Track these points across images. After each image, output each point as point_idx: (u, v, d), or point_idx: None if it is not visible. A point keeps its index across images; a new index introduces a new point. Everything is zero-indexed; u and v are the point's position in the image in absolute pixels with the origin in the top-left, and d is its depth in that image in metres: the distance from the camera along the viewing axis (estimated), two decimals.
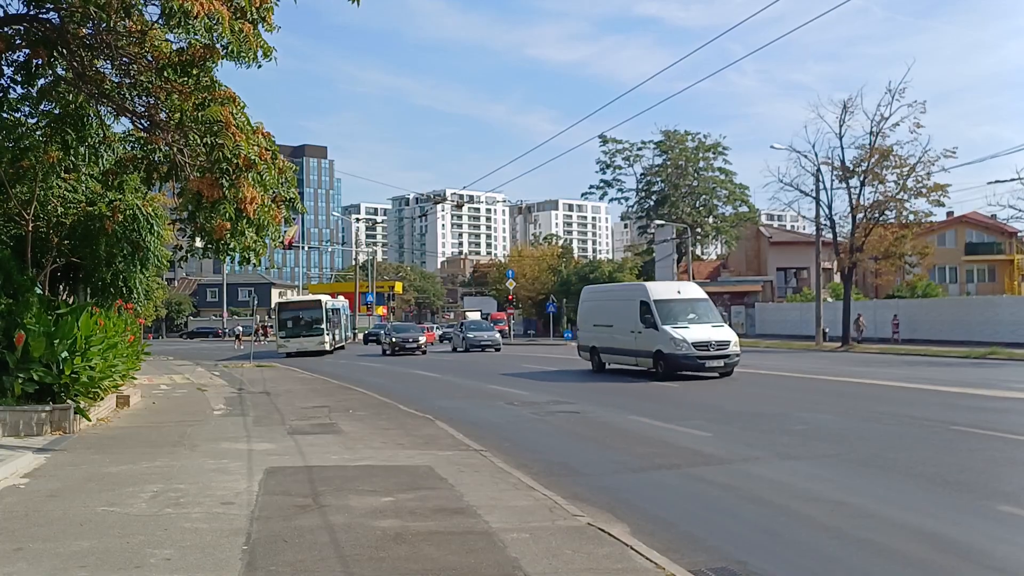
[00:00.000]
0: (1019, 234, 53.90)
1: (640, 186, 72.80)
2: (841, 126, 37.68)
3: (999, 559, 6.11)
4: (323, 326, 42.28)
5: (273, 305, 52.48)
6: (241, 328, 58.60)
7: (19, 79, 12.00)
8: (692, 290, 23.92)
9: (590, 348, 25.70)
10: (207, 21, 9.73)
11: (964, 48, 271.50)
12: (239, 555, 6.01)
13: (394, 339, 40.19)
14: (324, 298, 45.38)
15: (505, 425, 13.93)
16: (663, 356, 21.30)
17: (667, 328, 21.39)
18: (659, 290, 23.31)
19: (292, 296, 72.25)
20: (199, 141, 11.28)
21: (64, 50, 11.30)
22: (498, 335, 43.50)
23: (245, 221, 11.40)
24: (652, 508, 7.89)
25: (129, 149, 13.67)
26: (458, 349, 42.92)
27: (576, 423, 13.95)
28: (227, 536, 6.52)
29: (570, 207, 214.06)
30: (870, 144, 36.98)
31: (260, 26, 10.87)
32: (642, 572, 5.68)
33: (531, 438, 12.53)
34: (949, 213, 55.55)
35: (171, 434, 12.39)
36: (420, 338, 40.83)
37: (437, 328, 69.19)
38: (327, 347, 42.31)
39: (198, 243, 12.73)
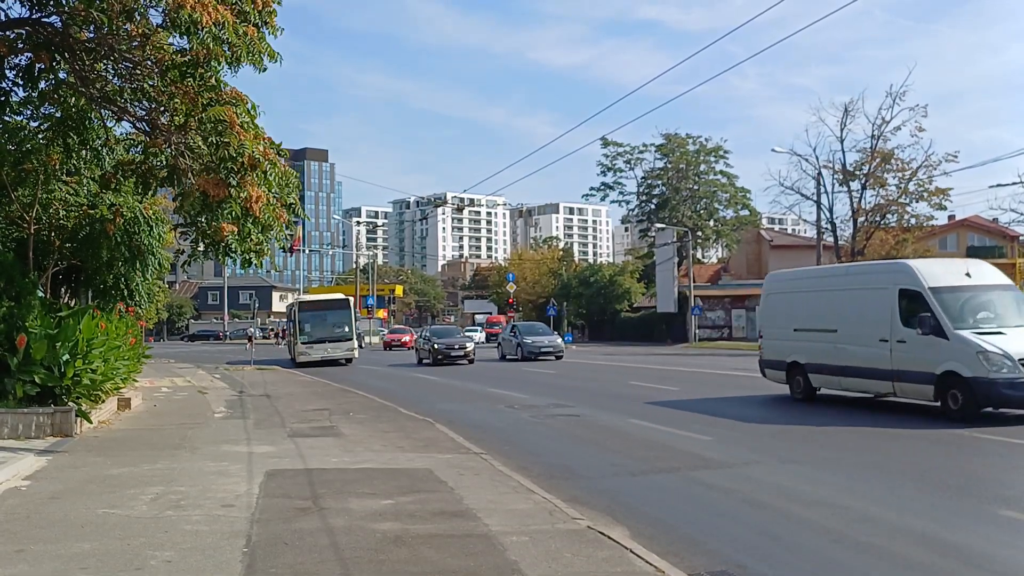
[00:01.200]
0: (1021, 238, 53.88)
1: (641, 189, 72.77)
2: (842, 129, 37.89)
3: (1000, 563, 6.11)
4: (350, 330, 35.46)
5: (290, 303, 46.13)
6: (252, 330, 57.02)
7: (21, 83, 12.02)
8: (987, 273, 14.69)
9: (788, 364, 16.72)
10: (214, 30, 9.79)
11: (965, 51, 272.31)
12: (239, 557, 6.02)
13: (436, 345, 33.86)
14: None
15: (505, 428, 13.93)
16: (962, 382, 12.71)
17: (966, 335, 12.90)
18: (936, 273, 14.17)
19: (291, 298, 71.68)
20: (202, 142, 11.30)
21: (66, 54, 11.33)
22: (560, 340, 37.61)
23: (251, 221, 11.44)
24: (652, 511, 7.90)
25: (129, 152, 13.71)
26: (508, 357, 36.41)
27: (576, 426, 13.94)
28: (227, 538, 6.53)
29: (571, 210, 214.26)
30: (871, 148, 37.14)
31: (264, 29, 10.93)
32: (641, 575, 5.69)
33: (531, 441, 12.54)
34: (951, 217, 55.63)
35: (172, 437, 12.40)
36: (467, 344, 34.79)
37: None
38: (356, 354, 35.67)
39: (200, 247, 12.75)
